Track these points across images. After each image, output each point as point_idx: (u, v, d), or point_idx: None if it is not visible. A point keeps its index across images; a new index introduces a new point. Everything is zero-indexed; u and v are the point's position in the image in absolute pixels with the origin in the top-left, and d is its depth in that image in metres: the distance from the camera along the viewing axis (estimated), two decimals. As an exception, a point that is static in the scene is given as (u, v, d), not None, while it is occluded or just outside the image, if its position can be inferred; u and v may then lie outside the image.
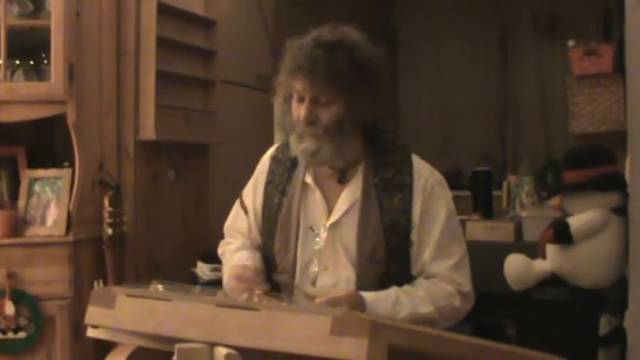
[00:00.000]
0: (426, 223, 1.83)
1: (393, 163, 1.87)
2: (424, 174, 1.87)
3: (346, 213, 1.84)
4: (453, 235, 1.88)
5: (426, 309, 1.77)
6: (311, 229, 1.86)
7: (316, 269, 1.85)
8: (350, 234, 1.83)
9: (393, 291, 1.78)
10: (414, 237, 1.83)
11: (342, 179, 1.87)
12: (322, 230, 1.85)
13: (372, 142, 1.88)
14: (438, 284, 1.82)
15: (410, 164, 1.87)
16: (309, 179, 1.88)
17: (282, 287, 1.89)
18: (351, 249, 1.82)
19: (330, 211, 1.86)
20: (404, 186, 1.84)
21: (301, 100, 1.79)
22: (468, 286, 1.86)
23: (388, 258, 1.80)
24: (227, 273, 1.89)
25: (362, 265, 1.81)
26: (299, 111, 1.79)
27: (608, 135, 3.38)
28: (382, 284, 1.80)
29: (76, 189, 2.79)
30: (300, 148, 1.80)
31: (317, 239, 1.86)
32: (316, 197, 1.87)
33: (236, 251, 1.98)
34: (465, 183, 4.49)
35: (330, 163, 1.84)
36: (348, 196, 1.85)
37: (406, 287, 1.81)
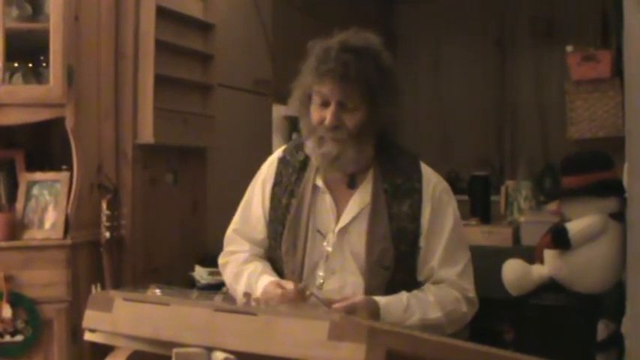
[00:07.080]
0: (435, 230, 1.84)
1: (402, 169, 1.87)
2: (432, 180, 1.88)
3: (355, 218, 1.84)
4: (459, 241, 1.89)
5: (435, 314, 1.78)
6: (319, 232, 1.86)
7: (323, 273, 1.84)
8: (359, 239, 1.82)
9: (404, 296, 1.78)
10: (422, 243, 1.84)
11: (352, 184, 1.86)
12: (331, 235, 1.85)
13: (382, 149, 1.88)
14: (445, 289, 1.83)
15: (418, 171, 1.88)
16: (319, 182, 1.88)
17: None
18: (359, 254, 1.82)
19: (339, 216, 1.85)
20: (413, 192, 1.84)
21: (325, 104, 1.77)
22: (472, 292, 1.87)
23: (396, 264, 1.80)
24: (262, 289, 1.80)
25: (370, 270, 1.80)
26: (321, 114, 1.78)
27: (606, 140, 3.39)
28: (388, 290, 1.80)
29: (74, 192, 2.79)
30: (320, 151, 1.79)
31: (325, 243, 1.85)
32: (326, 201, 1.87)
33: (245, 263, 1.94)
34: (463, 187, 4.49)
35: (349, 169, 1.83)
36: (358, 201, 1.85)
37: (416, 292, 1.82)
